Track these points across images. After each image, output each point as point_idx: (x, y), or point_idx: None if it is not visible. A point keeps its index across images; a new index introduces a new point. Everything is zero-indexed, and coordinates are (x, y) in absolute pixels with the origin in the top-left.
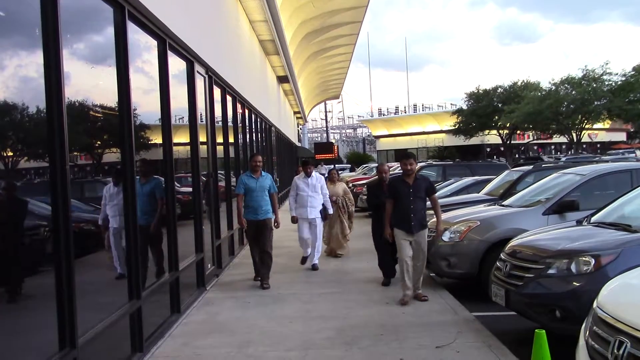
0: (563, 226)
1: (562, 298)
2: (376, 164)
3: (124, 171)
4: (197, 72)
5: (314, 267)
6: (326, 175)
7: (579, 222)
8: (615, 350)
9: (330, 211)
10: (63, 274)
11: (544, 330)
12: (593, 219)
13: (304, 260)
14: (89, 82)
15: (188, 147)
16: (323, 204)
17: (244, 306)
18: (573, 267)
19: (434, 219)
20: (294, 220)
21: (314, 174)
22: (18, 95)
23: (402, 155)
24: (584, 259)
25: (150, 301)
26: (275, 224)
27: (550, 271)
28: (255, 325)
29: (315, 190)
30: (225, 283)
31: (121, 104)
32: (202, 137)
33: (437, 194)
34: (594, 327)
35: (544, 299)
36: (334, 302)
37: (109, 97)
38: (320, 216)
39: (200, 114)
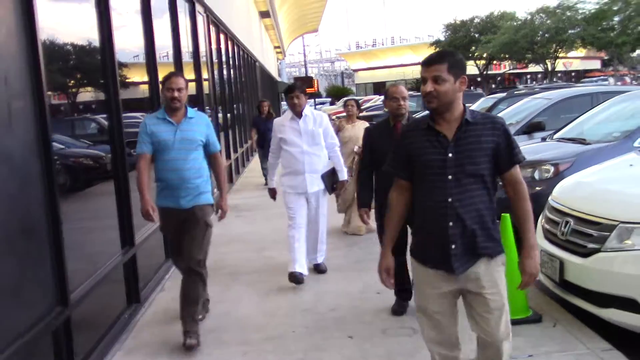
0: (530, 143)
1: None
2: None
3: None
4: (198, 12)
5: (319, 269)
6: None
7: (544, 139)
8: (563, 228)
9: (344, 176)
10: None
11: (508, 214)
12: (555, 136)
13: (292, 277)
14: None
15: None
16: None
17: (252, 222)
18: (536, 175)
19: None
20: (274, 194)
21: (310, 109)
22: None
23: (425, 60)
24: (545, 167)
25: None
26: (219, 212)
27: None
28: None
29: (315, 141)
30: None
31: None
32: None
33: None
34: (548, 214)
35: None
36: None
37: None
38: (325, 186)
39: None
